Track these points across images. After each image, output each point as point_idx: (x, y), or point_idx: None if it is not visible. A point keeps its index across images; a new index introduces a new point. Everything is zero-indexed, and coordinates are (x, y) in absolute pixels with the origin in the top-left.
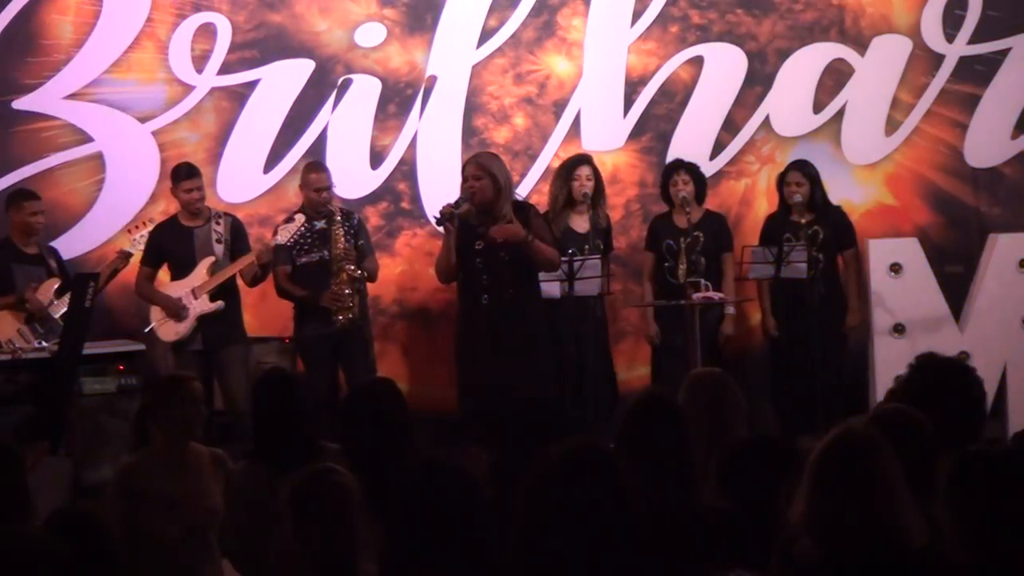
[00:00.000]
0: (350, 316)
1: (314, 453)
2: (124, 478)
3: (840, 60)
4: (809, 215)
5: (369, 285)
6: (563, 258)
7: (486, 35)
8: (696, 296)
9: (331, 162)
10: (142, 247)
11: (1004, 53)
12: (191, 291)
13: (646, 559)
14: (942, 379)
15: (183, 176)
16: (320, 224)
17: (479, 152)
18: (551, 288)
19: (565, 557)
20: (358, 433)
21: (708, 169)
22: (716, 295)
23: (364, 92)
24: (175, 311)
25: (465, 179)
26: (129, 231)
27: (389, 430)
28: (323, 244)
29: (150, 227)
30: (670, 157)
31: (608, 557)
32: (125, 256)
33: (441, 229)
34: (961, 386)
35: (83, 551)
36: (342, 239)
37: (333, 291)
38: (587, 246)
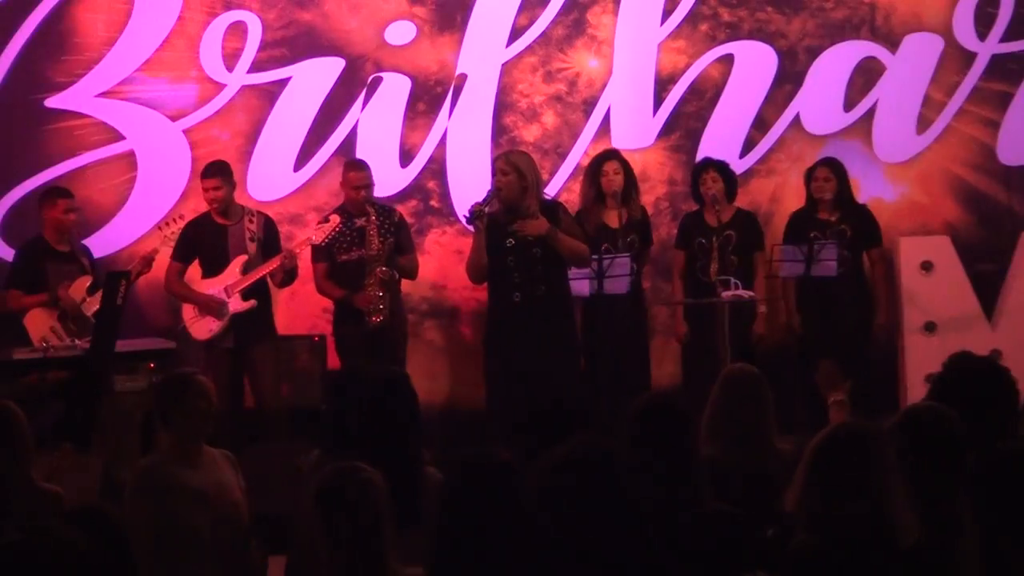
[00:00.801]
0: (381, 318)
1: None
2: (144, 478)
3: (871, 58)
4: (836, 213)
5: (403, 281)
6: (594, 256)
7: (516, 33)
8: (726, 294)
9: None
10: (173, 243)
11: None
12: (224, 289)
13: (650, 557)
14: (974, 379)
15: (204, 175)
16: (360, 222)
17: (509, 150)
18: (580, 286)
19: (568, 553)
20: (362, 426)
21: (738, 167)
22: (746, 293)
23: (394, 90)
24: (215, 310)
25: (493, 174)
26: (160, 228)
27: (395, 423)
28: (362, 242)
29: (181, 224)
30: (700, 155)
31: (610, 555)
32: (148, 262)
33: (471, 228)
34: (994, 386)
35: (100, 547)
36: (376, 239)
37: (366, 293)
38: (620, 241)
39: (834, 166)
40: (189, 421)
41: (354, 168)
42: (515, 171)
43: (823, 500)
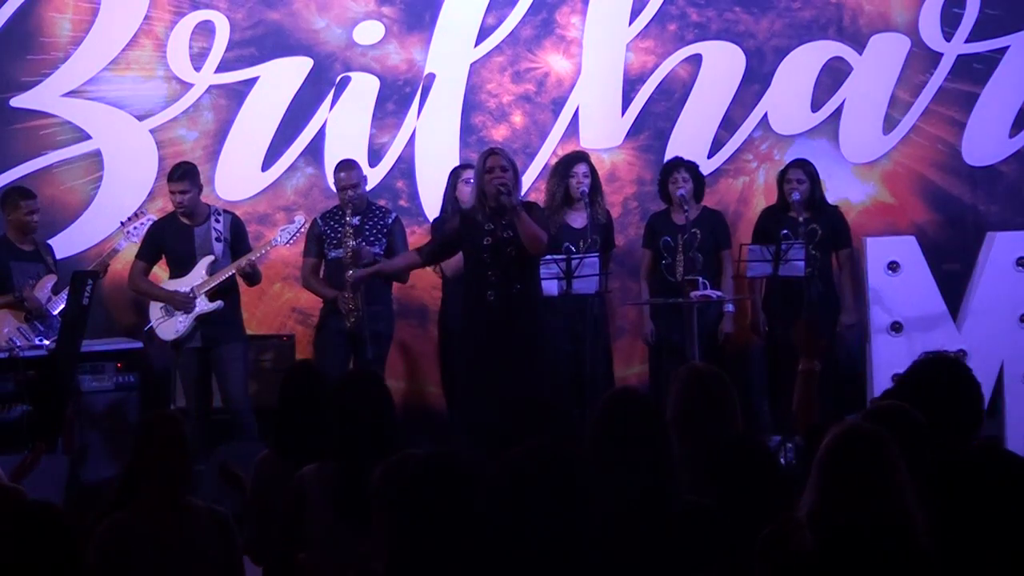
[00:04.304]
0: (352, 320)
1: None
2: (107, 537)
3: (838, 58)
4: (807, 213)
5: (393, 284)
6: (560, 256)
7: (484, 33)
8: (694, 295)
9: (329, 160)
10: (136, 240)
11: (1002, 52)
12: (190, 290)
13: (611, 557)
14: (939, 377)
15: (170, 178)
16: (356, 220)
17: (495, 147)
18: (549, 286)
19: (523, 553)
20: (326, 426)
21: (706, 167)
22: (714, 293)
23: (362, 90)
24: (182, 305)
25: (489, 170)
26: (123, 223)
27: (360, 423)
28: (353, 239)
29: (144, 219)
30: (668, 155)
31: (570, 555)
32: (105, 265)
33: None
34: (958, 385)
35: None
36: (350, 241)
37: (343, 296)
38: (584, 242)
39: (806, 168)
40: (159, 473)
41: (339, 169)
42: (512, 167)
43: (841, 503)
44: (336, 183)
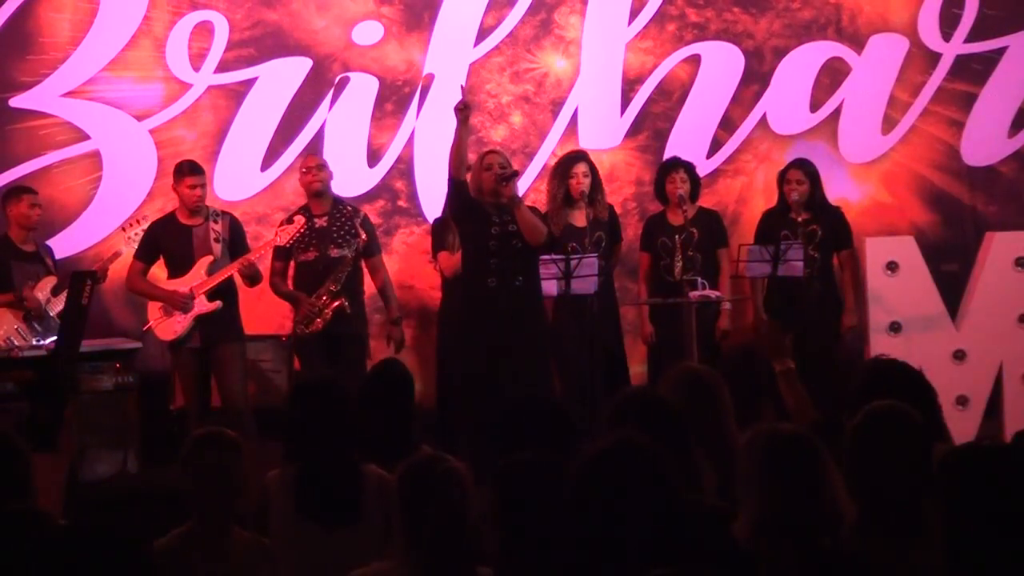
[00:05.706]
0: (308, 330)
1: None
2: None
3: (837, 59)
4: (807, 214)
5: (365, 283)
6: (559, 256)
7: (483, 33)
8: (693, 295)
9: (328, 160)
10: (136, 244)
11: (1001, 52)
12: (189, 290)
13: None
14: (896, 383)
15: (186, 172)
16: (321, 222)
17: (493, 148)
18: (548, 286)
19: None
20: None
21: (705, 167)
22: (713, 293)
23: (361, 90)
24: (180, 304)
25: (488, 167)
26: (123, 229)
27: (320, 424)
28: (321, 242)
29: (144, 224)
30: (667, 155)
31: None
32: (105, 269)
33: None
34: (915, 388)
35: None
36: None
37: (311, 301)
38: (587, 240)
39: (806, 168)
40: (209, 500)
41: (306, 157)
42: (511, 168)
43: (779, 505)
44: (301, 165)
